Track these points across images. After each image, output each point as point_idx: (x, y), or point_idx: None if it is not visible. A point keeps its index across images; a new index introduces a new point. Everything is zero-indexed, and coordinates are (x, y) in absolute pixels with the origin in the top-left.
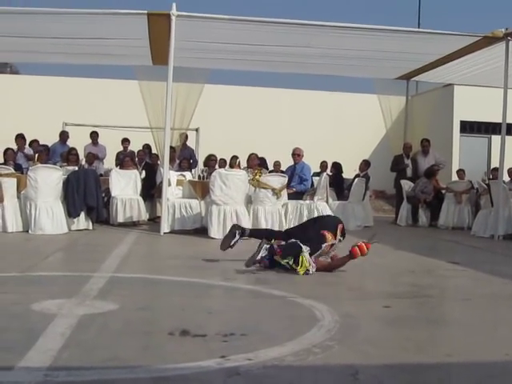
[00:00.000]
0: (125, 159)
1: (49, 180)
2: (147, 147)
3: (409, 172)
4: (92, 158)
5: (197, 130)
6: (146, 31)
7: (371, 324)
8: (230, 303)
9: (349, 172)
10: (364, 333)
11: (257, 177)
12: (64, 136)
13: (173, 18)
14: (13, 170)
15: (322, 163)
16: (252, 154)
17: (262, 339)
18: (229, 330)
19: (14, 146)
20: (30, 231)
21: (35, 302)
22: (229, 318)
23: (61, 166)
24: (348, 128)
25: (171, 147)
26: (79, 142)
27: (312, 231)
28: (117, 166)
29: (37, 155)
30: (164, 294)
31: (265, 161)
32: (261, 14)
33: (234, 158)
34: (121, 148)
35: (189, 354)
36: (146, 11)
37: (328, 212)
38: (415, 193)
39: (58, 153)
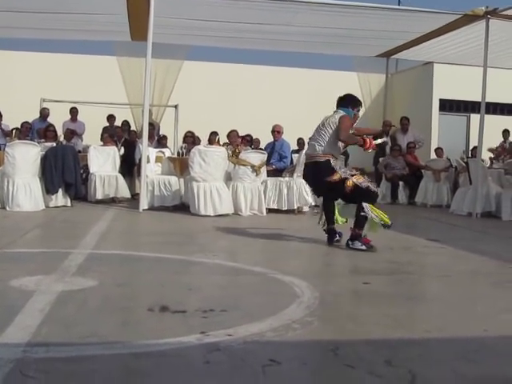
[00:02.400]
0: (103, 136)
1: (27, 156)
2: (126, 124)
3: (388, 150)
4: (70, 134)
5: (176, 106)
6: (124, 6)
7: (351, 300)
8: (209, 280)
9: None
10: (343, 309)
11: (236, 153)
12: (45, 113)
13: None
14: None
15: (298, 140)
16: (232, 130)
17: (242, 315)
18: (208, 306)
19: None
20: (7, 208)
21: (13, 279)
22: (208, 295)
23: (38, 143)
24: (327, 106)
25: (150, 124)
26: (58, 118)
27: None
28: (101, 141)
29: (14, 131)
30: (143, 271)
31: (251, 138)
32: None
33: (214, 134)
34: (102, 125)
35: (168, 330)
36: None
37: (307, 189)
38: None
39: (35, 129)
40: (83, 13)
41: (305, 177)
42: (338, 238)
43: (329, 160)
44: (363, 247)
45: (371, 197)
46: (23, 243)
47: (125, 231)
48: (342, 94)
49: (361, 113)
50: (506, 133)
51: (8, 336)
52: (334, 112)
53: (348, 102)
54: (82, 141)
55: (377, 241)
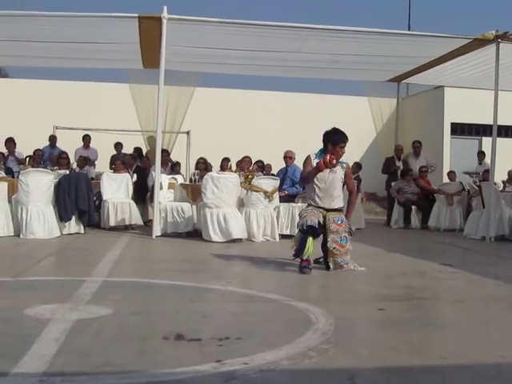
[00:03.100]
0: (116, 163)
1: (40, 184)
2: (138, 150)
3: (400, 174)
4: (83, 161)
5: (188, 132)
6: (137, 35)
7: (366, 327)
8: (224, 307)
9: None
10: (359, 336)
11: (249, 179)
12: (53, 139)
13: (164, 21)
14: (4, 174)
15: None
16: (245, 156)
17: (258, 343)
18: (224, 334)
19: (4, 150)
20: (21, 235)
21: (29, 307)
22: (223, 322)
23: (52, 170)
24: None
25: (165, 150)
26: (70, 145)
27: None
28: (111, 169)
29: (27, 159)
30: (158, 298)
31: (263, 164)
32: (253, 18)
33: (226, 160)
34: (113, 152)
35: (184, 358)
36: (137, 14)
37: None
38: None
39: (49, 156)
40: (96, 42)
41: None
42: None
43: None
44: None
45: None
46: (37, 271)
47: (138, 258)
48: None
49: (372, 137)
50: (481, 154)
51: (24, 365)
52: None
53: (325, 140)
54: (94, 167)
55: (391, 266)
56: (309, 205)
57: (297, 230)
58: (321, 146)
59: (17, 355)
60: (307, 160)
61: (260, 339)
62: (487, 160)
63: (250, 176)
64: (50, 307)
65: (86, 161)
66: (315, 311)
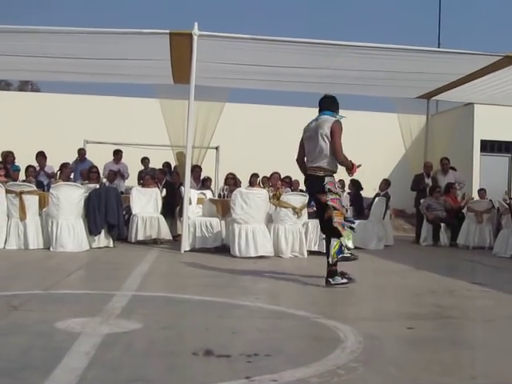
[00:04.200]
0: (145, 177)
1: (70, 198)
2: (167, 165)
3: (429, 191)
4: (113, 175)
5: (217, 148)
6: (167, 51)
7: (395, 345)
8: (253, 323)
9: (368, 191)
10: (388, 354)
11: (277, 195)
12: (81, 153)
13: (195, 37)
14: (35, 188)
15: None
16: (274, 173)
17: (287, 360)
18: (253, 351)
19: (35, 164)
20: (51, 248)
21: (59, 321)
22: (252, 338)
23: (82, 184)
24: (367, 147)
25: (197, 166)
26: (100, 159)
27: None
28: (139, 184)
29: (58, 173)
30: (187, 314)
31: (290, 180)
32: (283, 34)
33: (255, 176)
34: (142, 166)
35: (213, 374)
36: (168, 31)
37: None
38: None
39: (78, 170)
40: (127, 58)
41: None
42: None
43: (323, 177)
44: (344, 280)
45: (337, 235)
46: (67, 284)
47: (167, 273)
48: (327, 95)
49: (401, 154)
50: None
51: (55, 379)
52: (320, 118)
53: (334, 104)
54: (124, 182)
55: (419, 284)
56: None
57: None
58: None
59: (48, 368)
60: (340, 132)
61: (289, 356)
62: None
63: (278, 192)
64: (80, 321)
65: (115, 175)
66: (344, 329)
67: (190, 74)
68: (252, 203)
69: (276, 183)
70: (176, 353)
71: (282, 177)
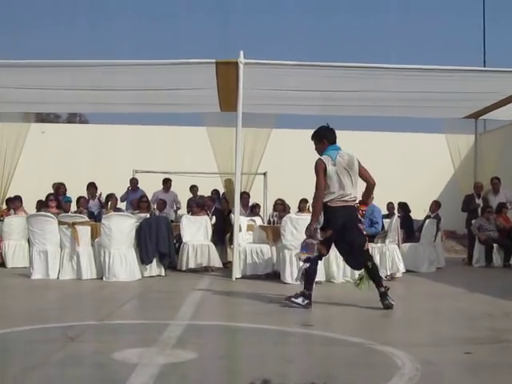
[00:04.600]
0: (192, 206)
1: (122, 228)
2: (215, 193)
3: (480, 212)
4: (162, 204)
5: (265, 174)
6: (214, 79)
7: (453, 371)
8: (308, 351)
9: (417, 213)
10: (447, 381)
11: None
12: (134, 182)
13: (241, 65)
14: (87, 218)
15: (388, 205)
16: None
17: None
18: (309, 379)
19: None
20: (104, 278)
21: (116, 351)
22: (308, 367)
23: (133, 214)
24: (416, 168)
25: (245, 192)
26: (150, 188)
27: None
28: (188, 212)
29: (109, 203)
30: (242, 342)
31: None
32: (327, 59)
33: (304, 201)
34: (191, 194)
35: None
36: (214, 60)
37: (399, 256)
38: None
39: (129, 200)
40: (175, 88)
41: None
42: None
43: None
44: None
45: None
46: (122, 314)
47: (220, 301)
48: (328, 127)
49: (450, 174)
50: None
51: None
52: (342, 151)
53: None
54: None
55: (474, 307)
56: None
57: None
58: (395, 184)
59: None
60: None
61: None
62: None
63: None
64: (136, 351)
65: (165, 204)
66: (400, 355)
67: (237, 102)
68: (302, 229)
69: None
70: (233, 383)
71: None
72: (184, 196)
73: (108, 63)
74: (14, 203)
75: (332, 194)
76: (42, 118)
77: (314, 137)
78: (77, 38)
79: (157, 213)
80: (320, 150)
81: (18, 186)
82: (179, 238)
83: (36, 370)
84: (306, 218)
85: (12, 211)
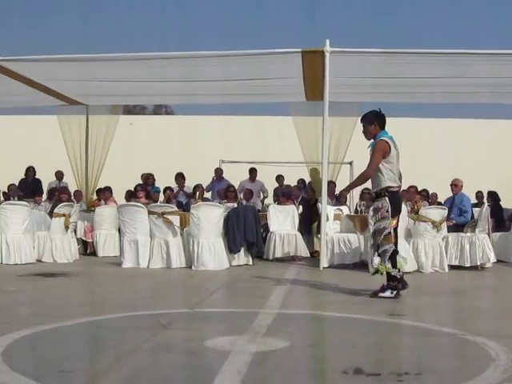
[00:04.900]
0: (280, 196)
1: (210, 217)
2: (302, 182)
3: None
4: (249, 194)
5: (351, 163)
6: (300, 69)
7: None
8: (399, 341)
9: (507, 202)
10: None
11: (415, 209)
12: (219, 172)
13: (326, 54)
14: (176, 208)
15: (477, 194)
16: (411, 186)
17: (437, 379)
18: (403, 369)
19: (174, 185)
20: (192, 267)
21: (208, 339)
22: (400, 357)
23: (220, 203)
24: (505, 156)
25: (332, 181)
26: (236, 178)
27: None
28: (275, 202)
29: (197, 193)
30: (331, 331)
31: (427, 193)
32: (413, 45)
33: None
34: (277, 184)
35: None
36: (300, 49)
37: (489, 245)
38: None
39: (215, 190)
40: (261, 78)
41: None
42: None
43: None
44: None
45: None
46: (212, 303)
47: (308, 290)
48: (380, 112)
49: None
50: None
51: None
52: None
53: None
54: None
55: None
56: None
57: None
58: (485, 171)
59: None
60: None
61: (440, 375)
62: None
63: (417, 206)
64: (228, 339)
65: (251, 193)
66: (494, 346)
67: (324, 91)
68: None
69: (413, 197)
70: (325, 371)
71: (419, 190)
72: (270, 186)
73: (195, 55)
74: (105, 194)
75: (393, 178)
76: (129, 110)
77: (365, 120)
78: (166, 30)
79: (244, 202)
80: (371, 134)
81: (108, 177)
82: (266, 228)
83: (130, 357)
84: None
85: (102, 202)
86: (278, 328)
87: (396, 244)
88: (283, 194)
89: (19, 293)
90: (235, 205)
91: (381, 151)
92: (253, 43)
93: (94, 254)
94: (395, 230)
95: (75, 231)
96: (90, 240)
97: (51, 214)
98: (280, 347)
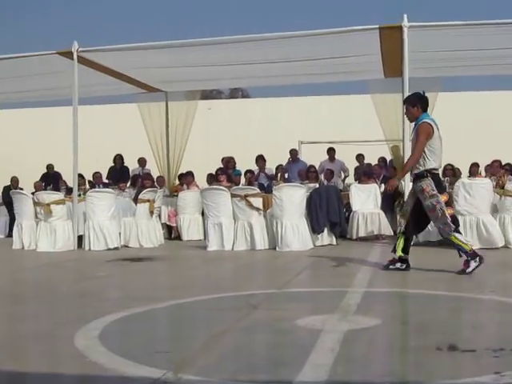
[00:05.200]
0: (361, 175)
1: (293, 198)
2: (382, 160)
3: None
4: (330, 174)
5: None
6: (377, 45)
7: None
8: (492, 317)
9: None
10: None
11: (500, 184)
12: (294, 153)
13: (405, 29)
14: (258, 190)
15: None
16: (495, 161)
17: None
18: (498, 345)
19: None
20: (276, 248)
21: (299, 318)
22: (495, 333)
23: (301, 184)
24: None
25: None
26: (316, 158)
27: None
28: (356, 181)
29: (279, 174)
30: (422, 308)
31: (511, 167)
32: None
33: (475, 165)
34: (356, 163)
35: (461, 369)
36: (377, 26)
37: None
38: None
39: (292, 171)
40: (339, 57)
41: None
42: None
43: None
44: None
45: None
46: (299, 283)
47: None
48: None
49: None
50: None
51: (306, 375)
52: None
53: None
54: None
55: None
56: None
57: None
58: None
59: (297, 365)
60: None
61: None
62: None
63: (502, 180)
64: (318, 318)
65: (332, 173)
66: None
67: (403, 67)
68: (476, 194)
69: (497, 172)
70: (419, 348)
71: (503, 164)
72: (351, 165)
73: (269, 37)
74: (187, 178)
75: (436, 160)
76: (206, 94)
77: (408, 102)
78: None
79: (325, 182)
80: (413, 116)
81: (188, 161)
82: (349, 207)
83: (224, 336)
84: (480, 182)
85: (185, 186)
86: (368, 306)
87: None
88: (364, 173)
89: (109, 277)
90: (317, 185)
91: (425, 133)
92: (330, 22)
93: (178, 238)
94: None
95: (159, 216)
96: (174, 224)
97: (135, 200)
98: (371, 325)
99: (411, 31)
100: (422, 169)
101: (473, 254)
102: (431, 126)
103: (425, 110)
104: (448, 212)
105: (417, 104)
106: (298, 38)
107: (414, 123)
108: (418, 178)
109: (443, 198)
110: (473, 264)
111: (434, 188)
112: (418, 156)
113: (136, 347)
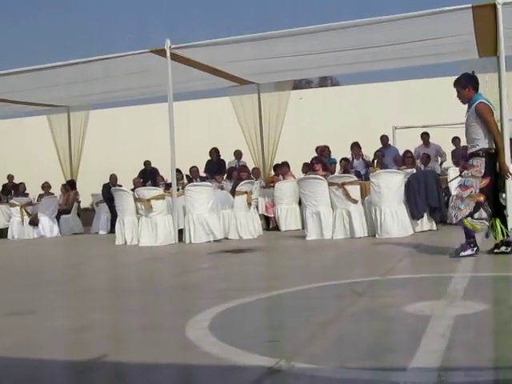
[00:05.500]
0: (459, 158)
1: (391, 184)
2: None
3: None
4: (426, 158)
5: None
6: (470, 25)
7: None
8: None
9: None
10: None
11: None
12: (384, 139)
13: (499, 6)
14: (355, 178)
15: None
16: None
17: None
18: None
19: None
20: (376, 235)
21: (406, 305)
22: None
23: (399, 169)
24: None
25: None
26: (411, 143)
27: None
28: (454, 164)
29: (375, 161)
30: None
31: None
32: None
33: None
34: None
35: None
36: (470, 5)
37: None
38: None
39: (386, 157)
40: (431, 38)
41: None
42: None
43: None
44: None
45: None
46: (402, 269)
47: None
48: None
49: None
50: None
51: (419, 360)
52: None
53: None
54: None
55: None
56: None
57: None
58: None
59: (409, 351)
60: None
61: None
62: None
63: None
64: (426, 304)
65: (429, 158)
66: None
67: (499, 45)
68: None
69: None
70: None
71: None
72: (447, 149)
73: (361, 22)
74: (282, 169)
75: (492, 140)
76: (296, 84)
77: (459, 84)
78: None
79: (422, 167)
80: (466, 97)
81: (282, 152)
82: (448, 191)
83: (334, 324)
84: None
85: (281, 177)
86: (476, 291)
87: (480, 204)
88: (462, 156)
89: (212, 269)
90: (414, 170)
91: (489, 112)
92: (415, 5)
93: (276, 228)
94: (485, 189)
95: (257, 207)
96: (272, 215)
97: (233, 192)
98: (481, 310)
99: (505, 8)
100: (477, 148)
101: (474, 242)
102: (488, 105)
103: (476, 90)
104: (479, 198)
105: (468, 85)
106: (388, 22)
107: (467, 105)
108: (473, 156)
109: (484, 181)
110: (468, 251)
111: (482, 171)
112: (497, 132)
113: (246, 337)
